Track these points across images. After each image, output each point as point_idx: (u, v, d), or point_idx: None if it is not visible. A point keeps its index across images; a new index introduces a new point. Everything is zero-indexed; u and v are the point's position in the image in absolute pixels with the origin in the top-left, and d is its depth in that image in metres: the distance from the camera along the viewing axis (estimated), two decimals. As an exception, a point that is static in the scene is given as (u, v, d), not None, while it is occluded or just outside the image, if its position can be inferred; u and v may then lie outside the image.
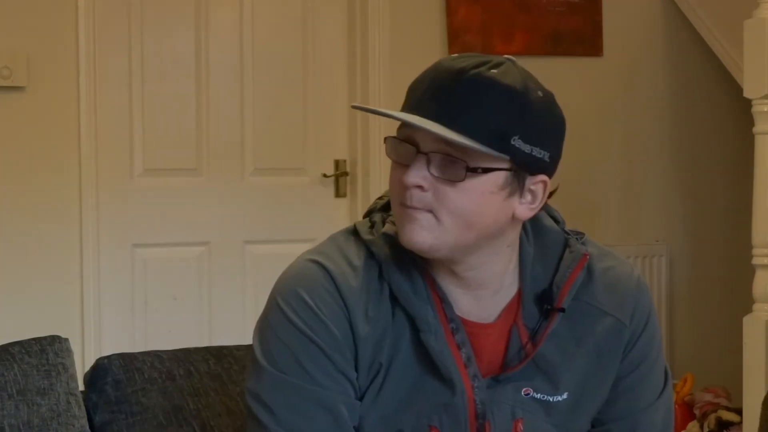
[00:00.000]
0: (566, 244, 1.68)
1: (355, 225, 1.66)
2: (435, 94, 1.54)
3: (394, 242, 1.59)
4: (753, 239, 3.64)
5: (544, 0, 4.47)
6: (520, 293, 1.64)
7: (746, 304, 3.69)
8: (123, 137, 4.05)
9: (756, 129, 3.64)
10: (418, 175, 1.53)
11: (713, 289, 4.76)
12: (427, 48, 4.32)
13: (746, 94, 3.67)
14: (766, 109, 3.60)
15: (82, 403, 1.95)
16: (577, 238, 1.70)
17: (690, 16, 4.60)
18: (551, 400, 1.62)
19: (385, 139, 1.58)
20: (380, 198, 1.70)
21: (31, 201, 3.86)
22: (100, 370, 1.99)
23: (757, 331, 3.60)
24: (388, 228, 1.62)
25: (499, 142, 1.52)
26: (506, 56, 1.60)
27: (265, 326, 1.62)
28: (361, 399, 1.59)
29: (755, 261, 3.63)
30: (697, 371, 4.36)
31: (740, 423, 3.91)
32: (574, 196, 4.55)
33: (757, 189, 3.61)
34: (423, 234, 1.55)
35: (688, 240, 4.76)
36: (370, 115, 4.18)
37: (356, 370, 1.58)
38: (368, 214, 1.69)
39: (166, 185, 4.12)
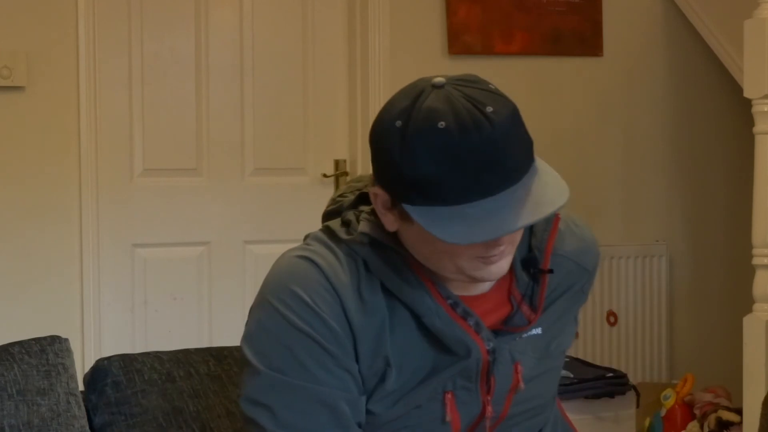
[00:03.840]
0: None
1: (328, 226, 1.66)
2: (503, 160, 1.49)
3: (373, 240, 1.60)
4: (753, 239, 3.63)
5: (544, 0, 4.47)
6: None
7: (746, 304, 3.69)
8: (123, 137, 4.05)
9: (756, 129, 3.64)
10: (516, 236, 1.58)
11: (713, 289, 4.76)
12: (427, 48, 4.32)
13: (746, 94, 3.67)
14: (766, 109, 3.60)
15: (82, 404, 1.95)
16: None
17: (690, 16, 4.60)
18: (533, 332, 1.69)
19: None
20: (342, 196, 1.70)
21: (31, 201, 3.85)
22: (99, 371, 1.99)
23: (757, 331, 3.59)
24: (364, 227, 1.61)
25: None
26: (439, 79, 1.53)
27: (257, 330, 1.61)
28: (370, 393, 1.59)
29: (755, 261, 3.63)
30: (697, 371, 4.36)
31: (740, 423, 3.91)
32: (574, 196, 4.54)
33: (757, 189, 3.61)
34: (504, 267, 1.58)
35: (688, 240, 4.76)
36: (370, 116, 4.19)
37: (357, 361, 1.59)
38: (332, 214, 1.69)
39: (166, 185, 4.12)
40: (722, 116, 4.73)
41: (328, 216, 1.70)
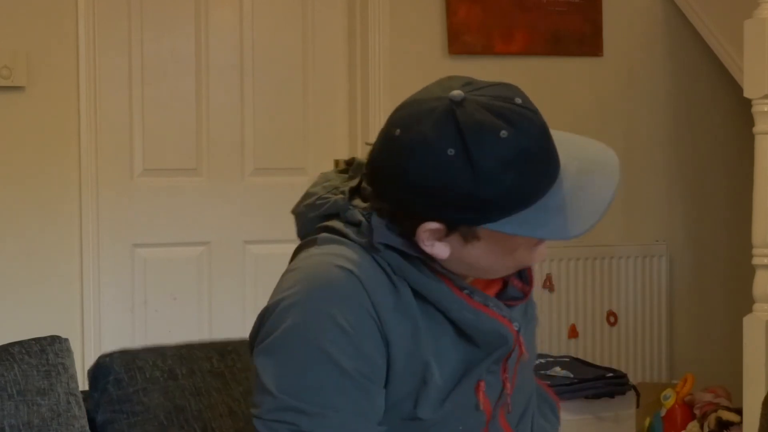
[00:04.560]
0: None
1: (334, 228, 1.61)
2: (554, 143, 1.54)
3: (388, 246, 1.57)
4: (753, 239, 3.63)
5: (544, 0, 4.47)
6: None
7: (746, 304, 3.69)
8: (123, 137, 4.05)
9: (756, 129, 3.64)
10: None
11: (713, 289, 4.76)
12: (427, 48, 4.32)
13: (746, 94, 3.67)
14: (766, 109, 3.60)
15: (82, 403, 1.95)
16: None
17: (690, 16, 4.60)
18: (529, 319, 1.74)
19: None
20: (322, 198, 1.64)
21: (31, 201, 3.85)
22: (102, 368, 1.98)
23: (757, 331, 3.59)
24: (379, 236, 1.57)
25: None
26: (456, 93, 1.50)
27: (285, 349, 1.52)
28: (415, 399, 1.57)
29: (755, 261, 3.63)
30: (697, 371, 4.36)
31: (740, 423, 3.91)
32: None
33: (757, 189, 3.61)
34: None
35: (688, 240, 4.76)
36: (370, 116, 4.19)
37: (389, 367, 1.55)
38: (320, 216, 1.64)
39: (166, 185, 4.12)
40: (722, 116, 4.73)
41: (313, 219, 1.65)
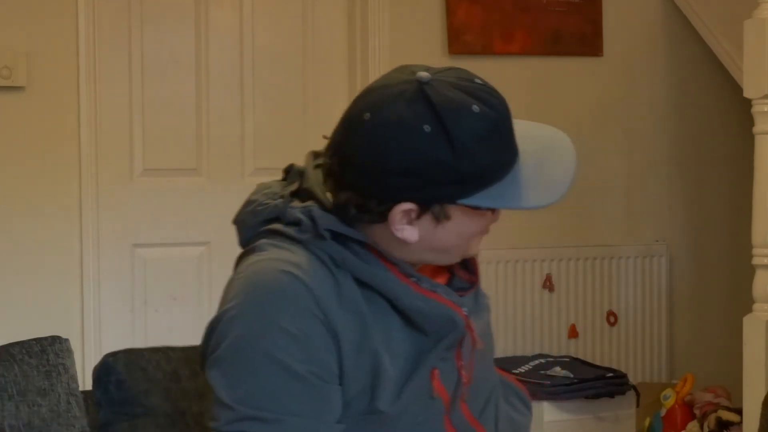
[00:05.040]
0: None
1: (275, 230, 1.61)
2: (512, 120, 1.58)
3: (334, 234, 1.57)
4: (753, 239, 3.63)
5: (544, 0, 4.47)
6: None
7: (746, 304, 3.69)
8: (123, 137, 4.04)
9: (756, 129, 3.64)
10: None
11: (713, 289, 4.76)
12: (427, 48, 4.32)
13: (746, 94, 3.67)
14: (766, 109, 3.60)
15: (82, 404, 1.95)
16: None
17: (690, 16, 4.60)
18: (480, 309, 1.72)
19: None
20: (262, 204, 1.64)
21: (31, 201, 3.85)
22: (105, 367, 1.97)
23: (757, 331, 3.60)
24: (324, 222, 1.57)
25: None
26: (422, 74, 1.53)
27: (234, 360, 1.52)
28: (371, 393, 1.57)
29: (755, 261, 3.63)
30: (697, 371, 4.36)
31: (740, 423, 3.91)
32: (574, 196, 4.54)
33: (757, 189, 3.61)
34: None
35: (688, 240, 4.76)
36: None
37: (341, 365, 1.56)
38: (263, 222, 1.63)
39: (166, 185, 4.12)
40: (722, 116, 4.73)
41: (254, 226, 1.65)
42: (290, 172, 1.71)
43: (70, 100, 3.88)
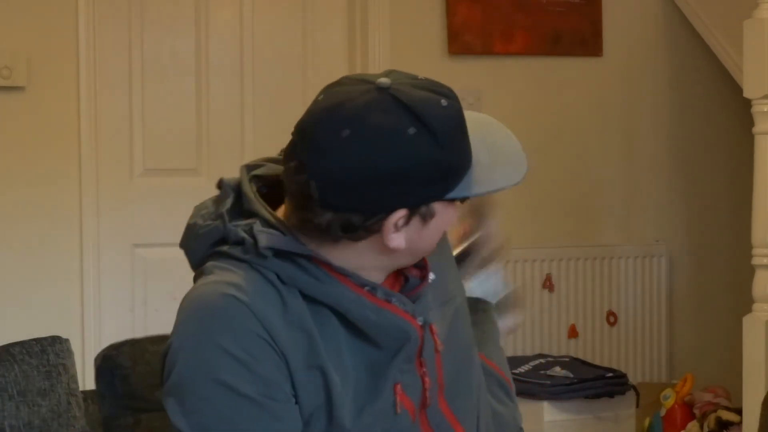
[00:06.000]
0: None
1: (221, 252, 1.59)
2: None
3: (277, 251, 1.55)
4: (753, 239, 3.63)
5: (544, 0, 4.47)
6: None
7: (746, 304, 3.69)
8: (123, 137, 4.04)
9: (756, 129, 3.64)
10: None
11: (713, 289, 4.76)
12: (427, 48, 4.32)
13: (746, 94, 3.67)
14: (766, 109, 3.60)
15: (82, 404, 1.95)
16: None
17: (690, 16, 4.60)
18: (431, 278, 1.68)
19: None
20: (204, 226, 1.62)
21: (31, 201, 3.85)
22: (108, 361, 1.96)
23: (757, 331, 3.60)
24: (264, 240, 1.55)
25: None
26: (382, 80, 1.54)
27: (186, 387, 1.53)
28: (330, 411, 1.56)
29: (755, 261, 3.63)
30: (697, 371, 4.36)
31: (740, 423, 3.91)
32: (574, 197, 4.55)
33: (757, 189, 3.61)
34: None
35: (688, 240, 4.76)
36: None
37: (293, 385, 1.54)
38: (215, 244, 1.61)
39: (166, 185, 4.12)
40: (722, 116, 4.73)
41: (199, 250, 1.64)
42: (222, 187, 1.66)
43: (70, 100, 3.88)
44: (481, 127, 1.60)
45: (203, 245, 1.63)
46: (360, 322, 1.57)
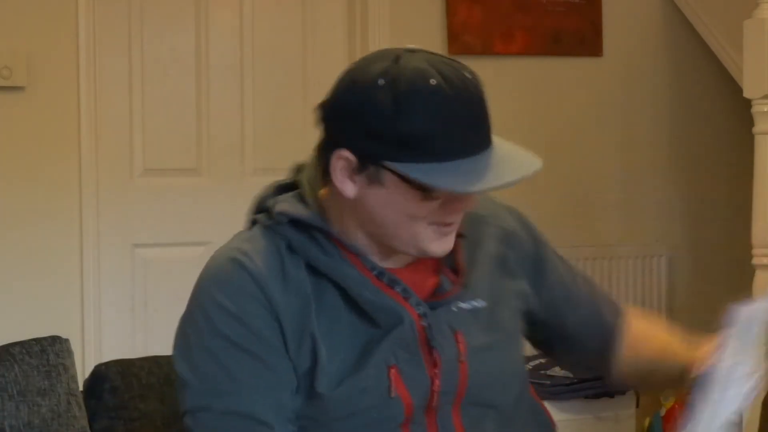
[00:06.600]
0: None
1: (253, 219, 1.73)
2: (486, 120, 1.58)
3: (292, 219, 1.65)
4: (753, 239, 3.63)
5: (544, 0, 4.47)
6: None
7: (746, 304, 3.68)
8: (123, 137, 4.04)
9: (756, 129, 3.64)
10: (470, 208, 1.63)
11: (713, 289, 4.76)
12: (426, 48, 4.31)
13: (746, 94, 3.67)
14: (766, 109, 3.60)
15: (82, 404, 1.95)
16: None
17: (690, 16, 4.60)
18: (477, 305, 1.69)
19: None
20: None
21: (31, 201, 3.85)
22: (98, 377, 1.98)
23: (757, 331, 3.59)
24: (282, 207, 1.67)
25: None
26: (411, 45, 1.65)
27: (189, 343, 1.66)
28: (311, 377, 1.60)
29: (755, 261, 3.63)
30: (697, 371, 4.35)
31: (740, 423, 3.91)
32: (574, 196, 4.55)
33: (757, 189, 3.61)
34: (450, 244, 1.64)
35: (688, 240, 4.76)
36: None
37: (286, 348, 1.60)
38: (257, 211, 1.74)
39: (166, 185, 4.12)
40: (722, 116, 4.73)
41: (249, 216, 1.78)
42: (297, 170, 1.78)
43: (70, 100, 3.88)
44: (513, 154, 1.60)
45: (250, 213, 1.76)
46: (358, 298, 1.62)
